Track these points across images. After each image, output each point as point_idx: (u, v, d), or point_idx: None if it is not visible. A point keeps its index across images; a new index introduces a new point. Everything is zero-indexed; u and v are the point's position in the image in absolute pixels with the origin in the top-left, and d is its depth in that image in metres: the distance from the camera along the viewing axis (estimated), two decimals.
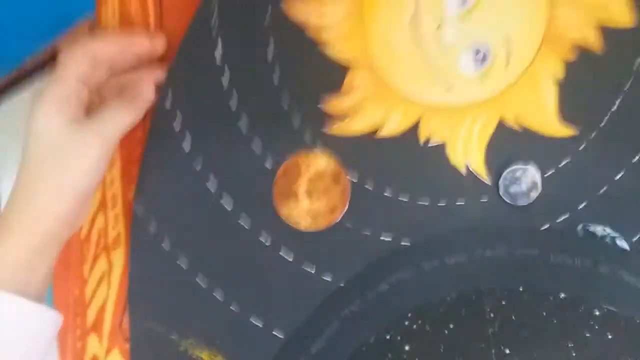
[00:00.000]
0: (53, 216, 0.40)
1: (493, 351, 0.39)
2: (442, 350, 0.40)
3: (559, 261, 0.40)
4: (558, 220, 0.42)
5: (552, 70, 0.44)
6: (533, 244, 0.41)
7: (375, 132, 0.45)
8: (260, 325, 0.43)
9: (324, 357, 0.41)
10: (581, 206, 0.42)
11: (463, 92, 0.45)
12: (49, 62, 0.50)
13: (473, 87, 0.45)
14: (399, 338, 0.40)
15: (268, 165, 0.46)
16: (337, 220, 0.44)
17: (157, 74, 0.46)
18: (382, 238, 0.44)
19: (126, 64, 0.45)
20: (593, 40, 0.43)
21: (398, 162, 0.45)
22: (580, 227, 0.42)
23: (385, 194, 0.44)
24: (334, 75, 0.45)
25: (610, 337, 0.38)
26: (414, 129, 0.45)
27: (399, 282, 0.41)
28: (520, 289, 0.40)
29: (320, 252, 0.44)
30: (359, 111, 0.46)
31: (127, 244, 0.46)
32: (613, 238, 0.41)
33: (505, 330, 0.39)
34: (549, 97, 0.44)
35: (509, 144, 0.44)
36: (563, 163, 0.43)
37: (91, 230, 0.47)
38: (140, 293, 0.45)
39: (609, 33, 0.42)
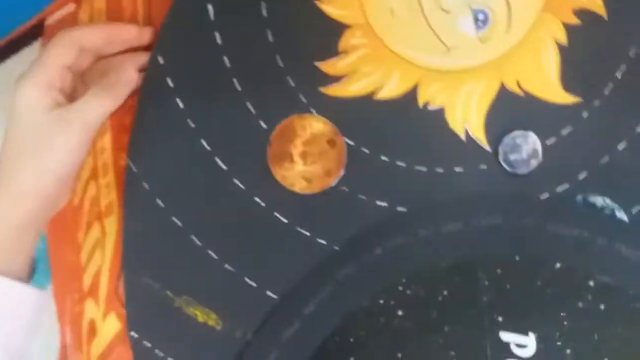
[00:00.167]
0: (33, 197, 0.40)
1: (486, 318, 0.39)
2: (435, 316, 0.39)
3: (556, 231, 0.39)
4: (558, 190, 0.41)
5: (554, 35, 0.43)
6: (531, 213, 0.40)
7: (372, 94, 0.44)
8: (254, 285, 0.43)
9: (317, 318, 0.41)
10: (582, 176, 0.41)
11: (463, 55, 0.43)
12: (35, 33, 0.49)
13: (473, 51, 0.43)
14: (392, 303, 0.40)
15: (263, 124, 0.45)
16: (333, 184, 0.43)
17: (140, 59, 0.45)
18: (378, 203, 0.43)
19: (112, 52, 0.45)
20: (597, 3, 0.41)
21: (395, 126, 0.43)
22: (579, 197, 0.41)
23: (382, 159, 0.43)
24: (330, 33, 0.44)
25: (602, 307, 0.38)
26: (413, 92, 0.44)
27: (394, 248, 0.41)
28: (516, 258, 0.39)
29: (315, 215, 0.43)
30: (356, 72, 0.44)
31: (120, 212, 0.46)
32: (612, 209, 0.40)
33: (499, 298, 0.39)
34: (551, 62, 0.42)
35: (510, 110, 0.42)
36: (565, 131, 0.42)
37: (83, 198, 0.46)
38: (135, 249, 0.45)
39: None
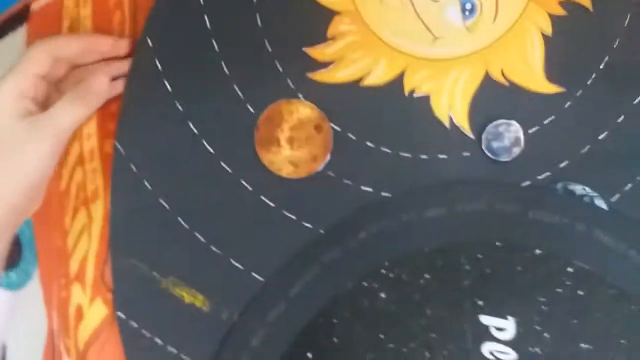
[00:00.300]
0: (3, 204, 0.40)
1: (467, 302, 0.39)
2: (417, 299, 0.40)
3: (537, 218, 0.40)
4: (539, 178, 0.42)
5: (539, 25, 0.43)
6: (512, 200, 0.40)
7: (359, 81, 0.44)
8: (241, 267, 0.43)
9: (303, 300, 0.41)
10: (563, 165, 0.42)
11: (449, 44, 0.43)
12: (20, 18, 0.48)
13: (460, 40, 0.43)
14: (376, 285, 0.40)
15: (251, 109, 0.45)
16: (319, 169, 0.43)
17: (114, 68, 0.45)
18: (363, 188, 0.43)
19: (87, 62, 0.45)
20: None
21: (382, 112, 0.43)
22: (560, 185, 0.41)
23: (368, 145, 0.43)
24: (319, 19, 0.44)
25: (581, 293, 0.38)
26: (399, 79, 0.44)
27: (378, 232, 0.41)
28: (497, 244, 0.40)
29: (301, 199, 0.43)
30: (344, 58, 0.44)
31: (106, 198, 0.45)
32: (592, 197, 0.40)
33: (479, 282, 0.39)
34: (536, 53, 0.43)
35: (494, 98, 0.43)
36: (547, 120, 0.42)
37: (70, 183, 0.46)
38: (122, 230, 0.45)
39: None
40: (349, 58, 0.44)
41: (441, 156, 0.43)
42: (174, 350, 0.42)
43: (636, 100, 0.42)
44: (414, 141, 0.43)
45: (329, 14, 0.44)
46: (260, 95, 0.44)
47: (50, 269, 0.46)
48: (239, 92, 0.45)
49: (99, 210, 0.46)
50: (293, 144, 0.44)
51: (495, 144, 0.42)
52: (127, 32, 0.47)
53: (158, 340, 0.43)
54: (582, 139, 0.42)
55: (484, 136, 0.42)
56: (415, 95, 0.43)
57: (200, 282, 0.43)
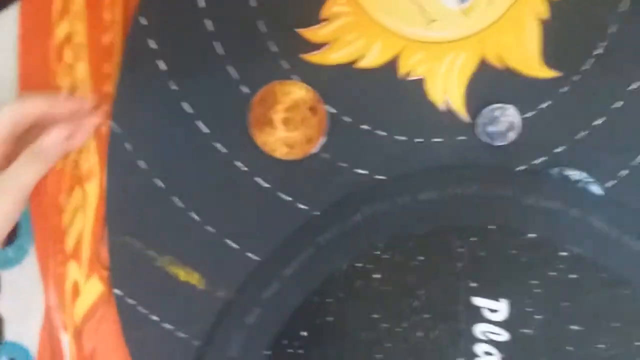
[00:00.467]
0: None
1: (460, 284, 0.39)
2: (410, 281, 0.40)
3: (532, 202, 0.40)
4: (534, 163, 0.41)
5: (536, 9, 0.42)
6: (507, 184, 0.40)
7: (354, 63, 0.44)
8: (236, 247, 0.43)
9: (297, 280, 0.41)
10: (558, 150, 0.41)
11: (445, 27, 0.43)
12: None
13: (456, 23, 0.43)
14: (369, 267, 0.40)
15: (245, 89, 0.44)
16: (314, 151, 0.43)
17: (72, 126, 0.45)
18: (358, 171, 0.42)
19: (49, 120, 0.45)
20: None
21: (377, 95, 0.43)
22: (555, 170, 0.41)
23: (363, 127, 0.43)
24: (313, 0, 0.43)
25: (573, 277, 0.38)
26: (394, 62, 0.43)
27: (373, 214, 0.41)
28: (491, 227, 0.40)
29: (296, 181, 0.43)
30: (338, 40, 0.44)
31: (101, 177, 0.45)
32: (587, 183, 0.41)
33: (473, 265, 0.39)
34: (532, 37, 0.42)
35: (490, 83, 0.42)
36: (543, 105, 0.42)
37: (65, 162, 0.46)
38: (118, 208, 0.44)
39: None
40: (344, 40, 0.44)
41: (436, 140, 0.42)
42: (170, 327, 0.42)
43: (632, 86, 0.41)
44: (409, 124, 0.43)
45: None
46: (254, 76, 0.44)
47: (47, 245, 0.45)
48: (233, 73, 0.44)
49: (94, 188, 0.45)
50: (288, 125, 0.44)
51: (490, 128, 0.42)
52: (119, 10, 0.46)
53: (154, 317, 0.43)
54: (578, 124, 0.41)
55: (479, 120, 0.42)
56: (410, 78, 0.43)
57: (195, 260, 0.43)
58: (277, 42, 0.44)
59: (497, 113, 0.42)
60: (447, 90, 0.43)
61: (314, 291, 0.40)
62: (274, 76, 0.44)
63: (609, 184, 0.41)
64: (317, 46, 0.44)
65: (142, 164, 0.45)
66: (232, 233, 0.43)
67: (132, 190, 0.45)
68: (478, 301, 0.39)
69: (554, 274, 0.38)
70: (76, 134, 0.45)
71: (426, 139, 0.42)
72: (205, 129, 0.44)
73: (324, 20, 0.44)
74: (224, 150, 0.44)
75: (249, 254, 0.43)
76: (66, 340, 0.44)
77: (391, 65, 0.43)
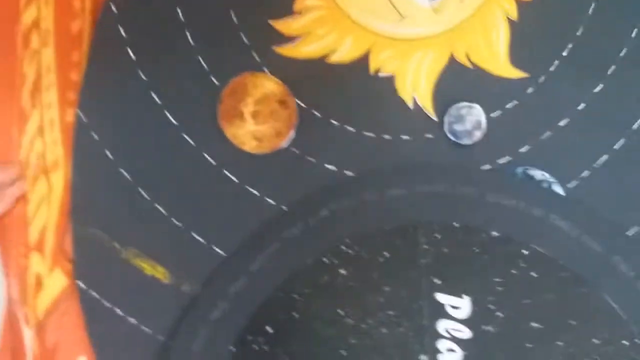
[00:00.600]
0: None
1: (424, 280, 0.40)
2: (375, 277, 0.40)
3: (496, 201, 0.40)
4: (499, 162, 0.42)
5: (505, 10, 0.43)
6: (472, 182, 0.40)
7: (325, 57, 0.44)
8: (202, 241, 0.43)
9: (263, 275, 0.41)
10: (523, 150, 0.42)
11: (416, 23, 0.43)
12: None
13: (426, 20, 0.43)
14: (335, 262, 0.40)
15: (215, 81, 0.44)
16: (283, 145, 0.43)
17: None
18: (326, 166, 0.42)
19: None
20: None
21: (347, 91, 0.43)
22: (519, 170, 0.42)
23: (333, 123, 0.43)
24: None
25: (535, 275, 0.39)
26: (365, 58, 0.43)
27: (339, 210, 0.41)
28: (456, 225, 0.40)
29: (265, 175, 0.43)
30: (310, 33, 0.44)
31: (66, 168, 0.44)
32: (550, 183, 0.41)
33: (437, 262, 0.40)
34: (501, 37, 0.43)
35: (458, 81, 0.42)
36: (509, 105, 0.42)
37: (30, 153, 0.45)
38: (83, 199, 0.44)
39: None
40: (315, 34, 0.44)
41: (404, 137, 0.43)
42: (134, 321, 0.42)
43: (597, 89, 0.42)
44: (378, 121, 0.43)
45: None
46: (224, 67, 0.44)
47: (10, 237, 0.45)
48: (204, 63, 0.44)
49: (59, 180, 0.45)
50: (257, 119, 0.43)
51: (457, 127, 0.42)
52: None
53: (118, 311, 0.42)
54: (543, 124, 0.42)
55: (446, 118, 0.43)
56: (380, 74, 0.43)
57: (161, 254, 0.43)
58: (248, 34, 0.44)
59: (463, 112, 0.42)
60: (416, 88, 0.43)
61: (280, 286, 0.40)
62: (244, 68, 0.44)
63: (571, 184, 0.41)
64: (289, 39, 0.44)
65: (108, 154, 0.44)
66: (198, 226, 0.43)
67: (98, 181, 0.44)
68: (441, 297, 0.39)
69: (516, 272, 0.39)
70: None
71: (394, 136, 0.43)
72: (173, 121, 0.44)
73: (297, 13, 0.44)
74: (192, 142, 0.44)
75: (215, 248, 0.43)
76: (28, 335, 0.44)
77: (362, 62, 0.43)
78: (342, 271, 0.40)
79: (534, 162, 0.42)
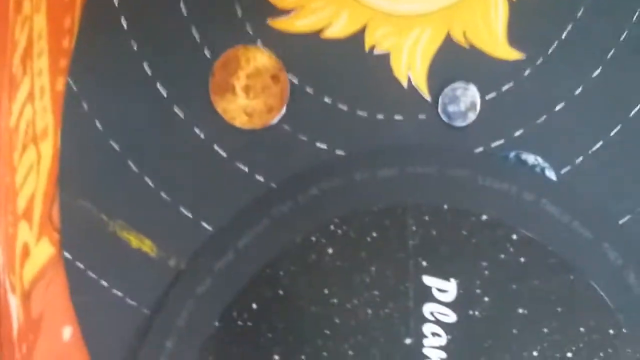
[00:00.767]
0: None
1: (411, 262, 0.39)
2: (363, 257, 0.40)
3: (487, 184, 0.40)
4: (492, 145, 0.41)
5: None
6: (464, 165, 0.40)
7: (319, 32, 0.43)
8: (190, 216, 0.42)
9: (251, 252, 0.40)
10: (517, 133, 0.41)
11: (413, 0, 0.42)
12: None
13: None
14: (323, 241, 0.40)
15: (207, 53, 0.43)
16: (274, 122, 0.42)
17: None
18: (317, 145, 0.42)
19: None
20: None
21: (340, 68, 0.42)
22: (512, 154, 0.41)
23: (325, 101, 0.42)
24: None
25: (522, 260, 0.39)
26: (360, 34, 0.42)
27: (329, 189, 0.40)
28: (445, 207, 0.40)
29: (255, 152, 0.42)
30: (305, 7, 0.43)
31: (56, 136, 0.44)
32: (542, 168, 0.41)
33: (425, 244, 0.39)
34: (499, 16, 0.42)
35: (454, 61, 0.41)
36: (505, 87, 0.41)
37: (19, 120, 0.44)
38: (71, 170, 0.43)
39: None
40: (310, 7, 0.43)
41: (397, 117, 0.42)
42: (119, 294, 0.42)
43: (595, 73, 0.41)
44: (372, 100, 0.42)
45: None
46: (217, 39, 0.43)
47: None
48: (196, 35, 0.43)
49: (48, 148, 0.44)
50: (248, 93, 0.43)
51: (451, 108, 0.42)
52: None
53: (104, 283, 0.42)
54: (539, 108, 0.41)
55: (440, 99, 0.42)
56: (375, 52, 0.42)
57: (148, 227, 0.42)
58: (243, 5, 0.43)
59: (458, 92, 0.42)
60: (411, 67, 0.42)
61: (267, 264, 0.40)
62: (237, 41, 0.43)
63: (565, 170, 0.41)
64: (283, 12, 0.43)
65: (98, 124, 0.43)
66: (186, 201, 0.42)
67: (87, 151, 0.43)
68: (428, 280, 0.39)
69: (504, 256, 0.39)
70: None
71: (387, 116, 0.42)
72: (164, 93, 0.43)
73: None
74: (182, 115, 0.43)
75: (203, 224, 0.42)
76: (14, 303, 0.44)
77: (357, 38, 0.42)
78: (330, 250, 0.40)
79: (528, 146, 0.41)
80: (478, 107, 0.41)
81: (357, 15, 0.42)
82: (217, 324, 0.40)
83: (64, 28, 0.44)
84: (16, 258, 0.44)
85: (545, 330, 0.38)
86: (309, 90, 0.42)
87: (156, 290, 0.41)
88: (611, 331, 0.38)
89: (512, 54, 0.42)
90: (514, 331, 0.38)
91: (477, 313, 0.38)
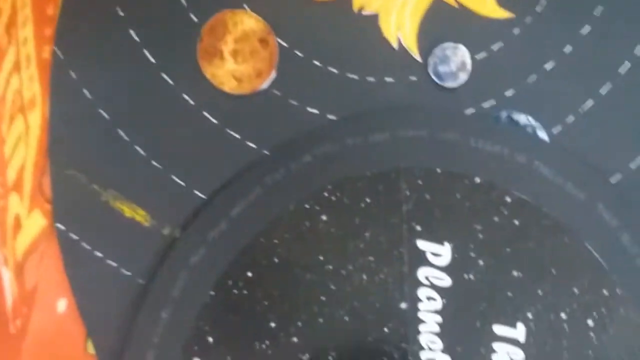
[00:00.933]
0: None
1: (405, 227, 0.38)
2: (356, 222, 0.38)
3: (479, 146, 0.38)
4: (483, 106, 0.39)
5: None
6: (456, 127, 0.38)
7: None
8: (182, 184, 0.40)
9: (245, 220, 0.39)
10: (508, 93, 0.39)
11: None
12: None
13: None
14: (317, 208, 0.38)
15: (194, 18, 0.40)
16: (264, 86, 0.40)
17: None
18: (308, 110, 0.40)
19: None
20: None
21: (330, 30, 0.40)
22: (504, 114, 0.39)
23: (315, 63, 0.40)
24: None
25: (517, 223, 0.37)
26: None
27: (322, 155, 0.39)
28: (438, 170, 0.38)
29: (246, 118, 0.40)
30: None
31: (44, 106, 0.41)
32: (534, 128, 0.39)
33: (419, 208, 0.38)
34: None
35: (443, 21, 0.40)
36: (495, 47, 0.39)
37: (6, 90, 0.42)
38: (61, 140, 0.41)
39: None
40: None
41: (388, 79, 0.40)
42: (113, 264, 0.40)
43: (584, 31, 0.39)
44: (362, 62, 0.40)
45: None
46: (204, 3, 0.40)
47: None
48: (183, 0, 0.41)
49: (37, 118, 0.42)
50: (237, 58, 0.40)
51: (441, 68, 0.39)
52: None
53: (98, 253, 0.40)
54: (529, 67, 0.39)
55: (430, 60, 0.39)
56: (364, 12, 0.40)
57: (141, 196, 0.41)
58: None
59: (448, 52, 0.39)
60: (400, 28, 0.40)
61: (261, 232, 0.38)
62: (224, 5, 0.41)
63: (556, 129, 0.39)
64: None
65: (86, 93, 0.41)
66: (178, 169, 0.40)
67: (76, 120, 0.41)
68: (422, 244, 0.37)
69: (498, 219, 0.37)
70: None
71: (378, 78, 0.40)
72: (152, 59, 0.41)
73: None
74: (171, 82, 0.41)
75: (196, 192, 0.40)
76: (7, 277, 0.42)
77: None
78: (324, 217, 0.38)
79: (519, 106, 0.39)
80: (469, 67, 0.39)
81: None
82: (212, 293, 0.38)
83: None
84: (8, 230, 0.42)
85: (540, 292, 0.36)
86: (298, 53, 0.40)
87: (151, 260, 0.40)
88: (605, 292, 0.36)
89: (502, 13, 0.40)
90: (509, 294, 0.36)
91: (471, 276, 0.37)
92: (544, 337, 0.37)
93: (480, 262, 0.37)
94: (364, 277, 0.38)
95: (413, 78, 0.40)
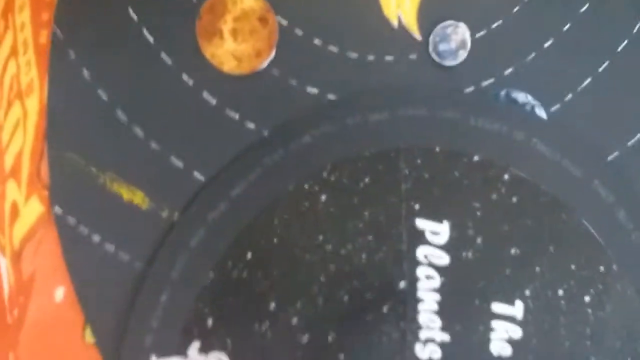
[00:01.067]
0: None
1: (404, 206, 0.39)
2: (356, 202, 0.39)
3: (478, 124, 0.39)
4: (483, 84, 0.40)
5: None
6: (455, 105, 0.39)
7: None
8: (181, 166, 0.41)
9: (244, 201, 0.40)
10: (507, 72, 0.40)
11: None
12: None
13: None
14: (316, 188, 0.39)
15: None
16: (263, 66, 0.41)
17: None
18: (308, 90, 0.41)
19: None
20: None
21: (330, 8, 0.41)
22: (503, 92, 0.40)
23: (315, 42, 0.41)
24: None
25: (514, 200, 0.38)
26: None
27: (321, 135, 0.40)
28: (437, 149, 0.39)
29: (244, 98, 0.41)
30: None
31: (41, 91, 0.42)
32: (533, 106, 0.40)
33: (417, 187, 0.39)
34: None
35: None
36: (495, 25, 0.41)
37: (3, 76, 0.43)
38: (59, 122, 0.42)
39: None
40: None
41: (388, 58, 0.41)
42: (112, 248, 0.41)
43: (583, 8, 0.40)
44: (362, 41, 0.41)
45: None
46: None
47: None
48: None
49: (34, 104, 0.43)
50: (236, 37, 0.41)
51: (441, 47, 0.40)
52: None
53: (96, 237, 0.41)
54: (528, 46, 0.40)
55: (431, 38, 0.40)
56: None
57: (139, 179, 0.42)
58: None
59: (449, 30, 0.40)
60: (401, 6, 0.41)
61: (260, 213, 0.39)
62: None
63: (554, 107, 0.40)
64: None
65: (85, 73, 0.42)
66: (177, 150, 0.41)
67: (74, 102, 0.42)
68: (421, 223, 0.38)
69: (496, 197, 0.38)
70: None
71: (378, 57, 0.41)
72: (151, 39, 0.42)
73: None
74: (170, 62, 0.42)
75: (195, 173, 0.41)
76: (4, 264, 0.43)
77: None
78: (323, 197, 0.39)
79: (518, 84, 0.40)
80: (468, 45, 0.40)
81: None
82: (211, 275, 0.39)
83: None
84: (5, 218, 0.43)
85: (538, 269, 0.38)
86: (298, 32, 0.41)
87: (149, 243, 0.41)
88: (602, 268, 0.37)
89: None
90: (507, 271, 0.38)
91: (470, 254, 0.38)
92: (541, 315, 0.38)
93: (478, 240, 0.38)
94: (363, 256, 0.39)
95: (413, 57, 0.41)
